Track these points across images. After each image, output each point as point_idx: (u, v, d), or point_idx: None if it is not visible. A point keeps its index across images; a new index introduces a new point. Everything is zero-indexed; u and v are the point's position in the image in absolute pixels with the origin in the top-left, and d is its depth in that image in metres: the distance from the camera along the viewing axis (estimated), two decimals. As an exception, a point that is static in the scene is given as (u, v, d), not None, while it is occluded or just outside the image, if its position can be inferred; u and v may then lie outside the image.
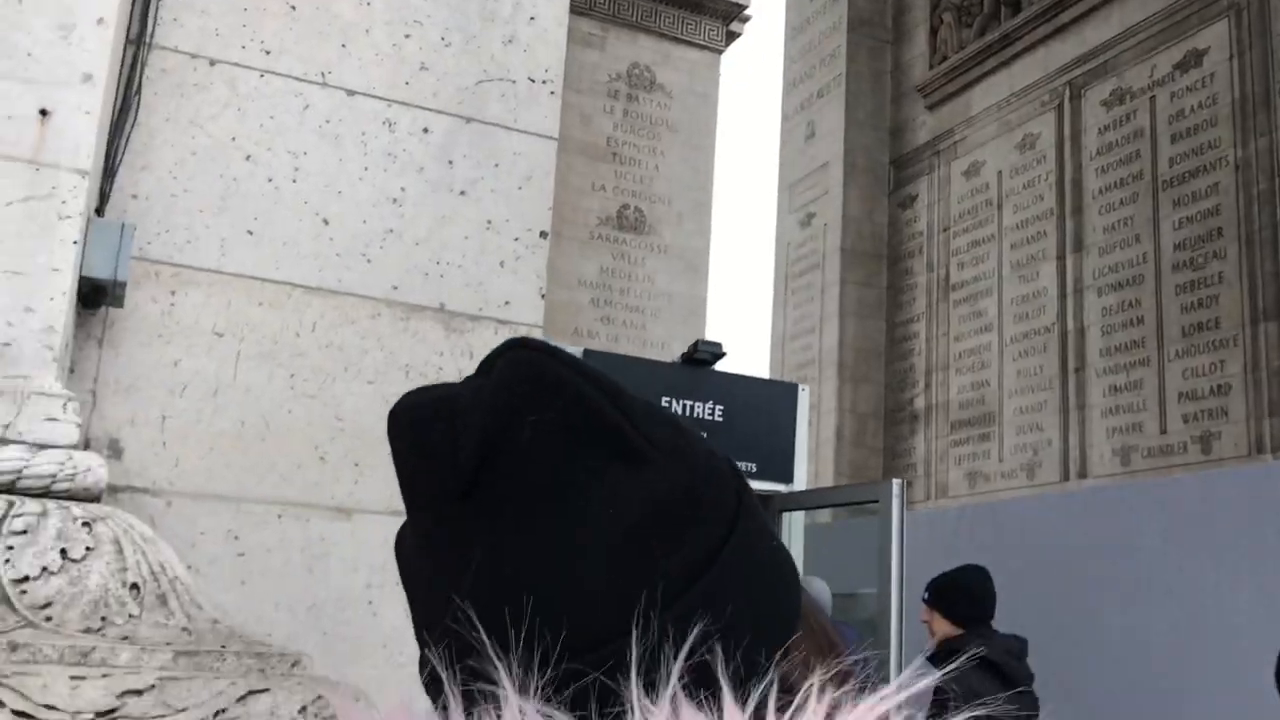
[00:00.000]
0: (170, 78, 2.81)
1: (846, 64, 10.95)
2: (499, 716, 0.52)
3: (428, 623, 0.63)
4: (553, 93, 3.23)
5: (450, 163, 3.07)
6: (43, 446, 2.11)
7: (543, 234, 3.15)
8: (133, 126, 2.72)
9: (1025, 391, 8.89)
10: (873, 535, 5.14)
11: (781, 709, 0.54)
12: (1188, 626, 6.50)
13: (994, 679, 4.16)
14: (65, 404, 2.18)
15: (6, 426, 2.11)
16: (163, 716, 1.71)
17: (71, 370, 2.58)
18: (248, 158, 2.86)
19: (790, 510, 5.66)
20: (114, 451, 2.61)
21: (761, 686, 0.55)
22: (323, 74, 2.96)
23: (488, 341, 2.98)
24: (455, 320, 3.01)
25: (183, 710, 1.73)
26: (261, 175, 2.87)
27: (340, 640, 2.70)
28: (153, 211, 2.75)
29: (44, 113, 2.30)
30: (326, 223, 2.91)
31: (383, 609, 2.75)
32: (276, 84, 2.91)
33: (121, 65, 2.68)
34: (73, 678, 1.70)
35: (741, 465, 0.71)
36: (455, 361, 2.97)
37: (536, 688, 0.53)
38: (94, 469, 2.12)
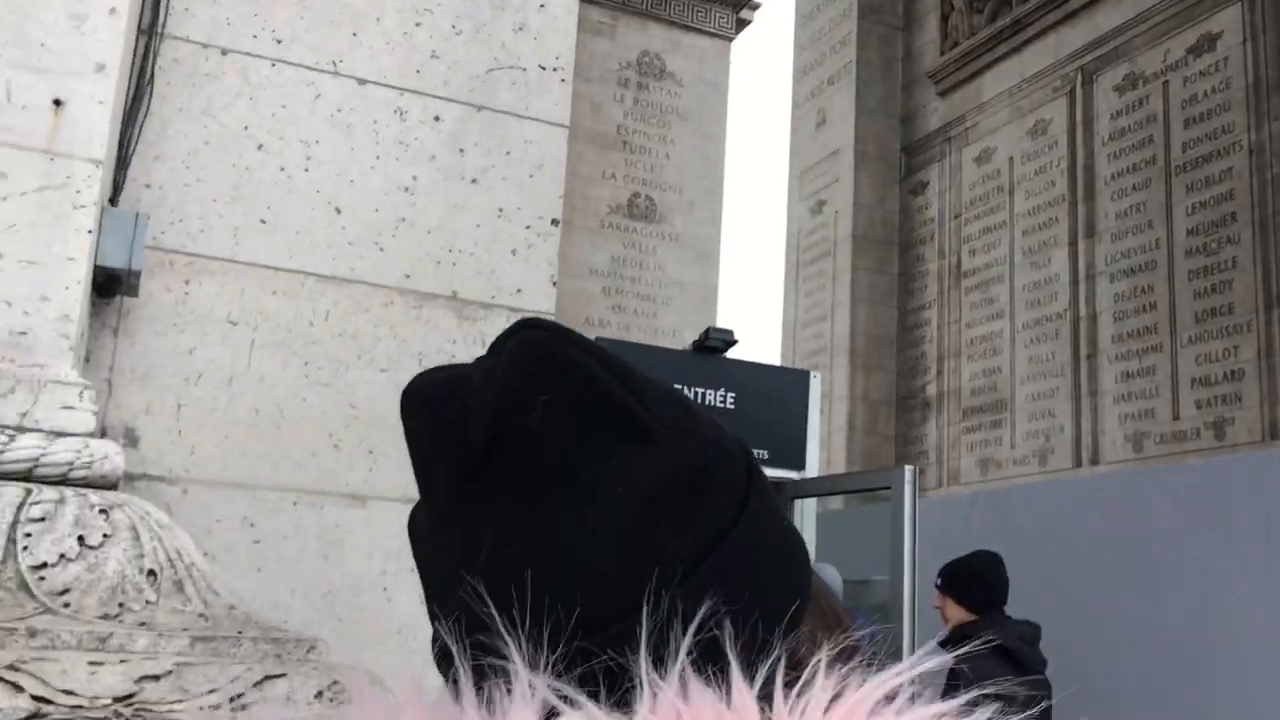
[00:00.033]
0: (182, 67, 2.82)
1: (857, 51, 10.91)
2: (509, 690, 0.52)
3: (439, 599, 0.63)
4: (563, 80, 3.22)
5: (461, 151, 3.07)
6: (59, 434, 2.13)
7: (554, 222, 3.16)
8: (145, 116, 2.73)
9: (1037, 378, 8.87)
10: (885, 522, 5.13)
11: (789, 684, 0.55)
12: (1200, 612, 6.48)
13: (1007, 665, 4.16)
14: (81, 392, 2.20)
15: (23, 415, 2.13)
16: (180, 701, 1.72)
17: (87, 359, 2.59)
18: (260, 147, 2.87)
19: (802, 497, 5.66)
20: (130, 440, 2.63)
21: (769, 662, 0.56)
22: (334, 63, 2.97)
23: (500, 329, 2.98)
24: (468, 308, 3.02)
25: (200, 695, 1.74)
26: (274, 164, 2.87)
27: (355, 626, 2.71)
28: (166, 201, 2.76)
29: (58, 103, 2.31)
30: (339, 211, 2.92)
31: (397, 595, 2.77)
32: (288, 73, 2.92)
33: (134, 55, 2.69)
34: (91, 663, 1.72)
35: (753, 452, 0.71)
36: (468, 349, 2.98)
37: (546, 663, 0.54)
38: (111, 456, 2.13)
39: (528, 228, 3.11)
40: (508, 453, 0.61)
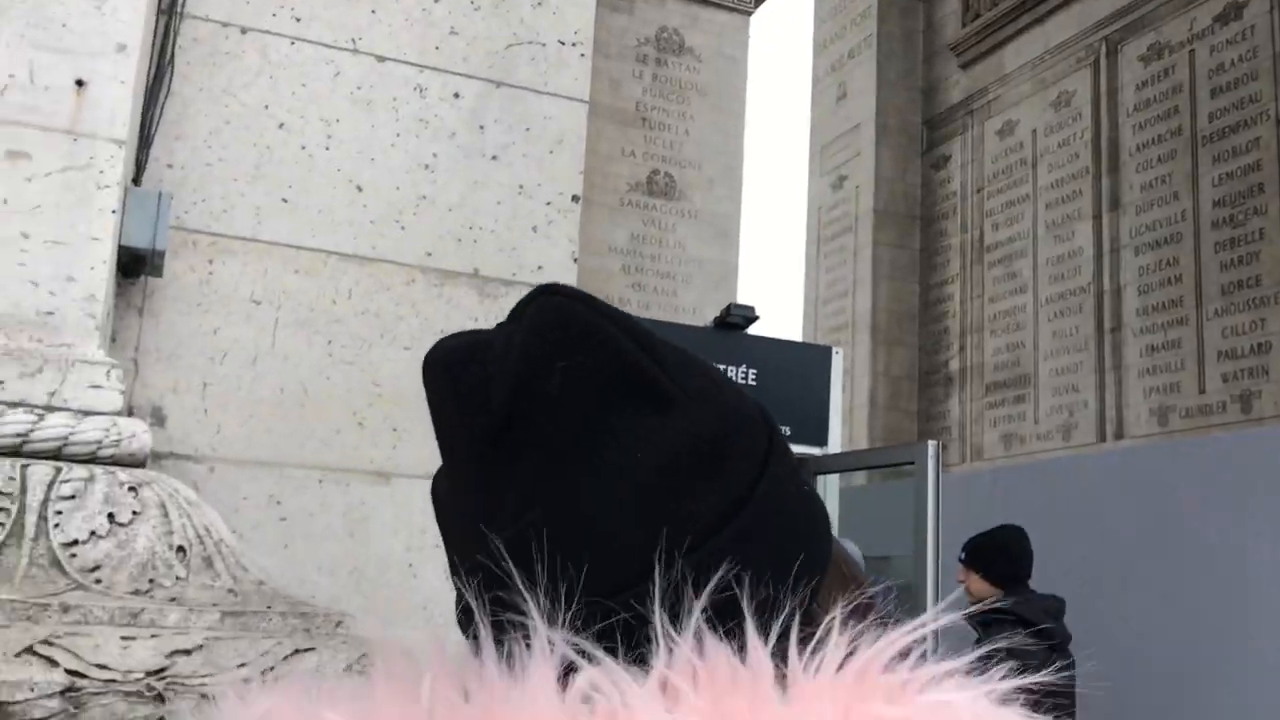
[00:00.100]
0: (202, 47, 2.82)
1: (878, 23, 10.82)
2: (528, 646, 0.52)
3: (461, 558, 0.64)
4: (583, 55, 3.21)
5: (481, 128, 3.07)
6: (87, 413, 2.14)
7: (574, 198, 3.15)
8: (166, 96, 2.74)
9: (1061, 353, 8.82)
10: (908, 498, 5.12)
11: (804, 641, 0.55)
12: (1225, 586, 6.45)
13: (1032, 639, 4.15)
14: (109, 371, 2.21)
15: (52, 394, 2.14)
16: (211, 675, 1.74)
17: (113, 339, 2.61)
18: (281, 126, 2.87)
19: (825, 473, 5.65)
20: (157, 419, 2.64)
21: (783, 618, 0.56)
22: (353, 40, 2.97)
23: (522, 306, 2.98)
24: (489, 285, 3.02)
25: (230, 669, 1.76)
26: (295, 143, 2.88)
27: (381, 602, 2.73)
28: (188, 181, 2.77)
29: (80, 83, 2.32)
30: (360, 190, 2.92)
31: (422, 571, 2.78)
32: (307, 51, 2.92)
33: (154, 35, 2.69)
34: (123, 638, 1.74)
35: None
36: (489, 327, 2.98)
37: (564, 621, 0.54)
38: (139, 435, 2.15)
39: (548, 204, 3.11)
40: (528, 419, 0.61)
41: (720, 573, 0.56)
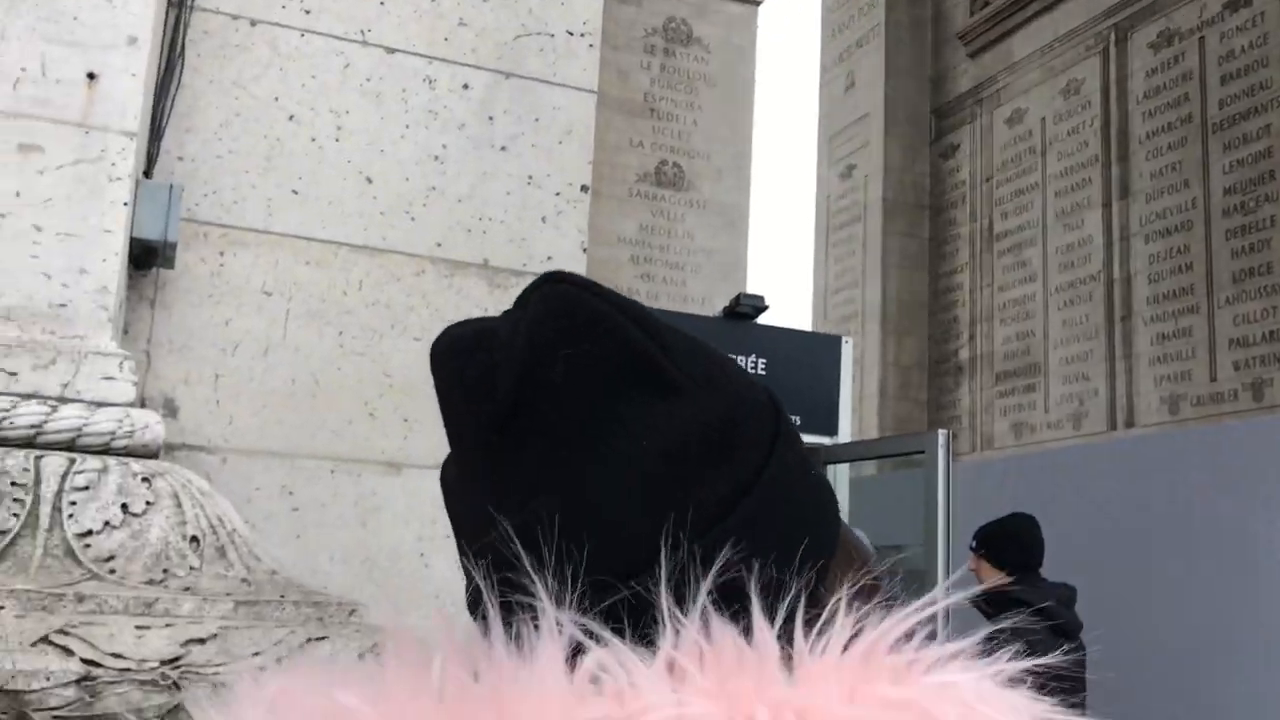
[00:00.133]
0: (212, 39, 2.83)
1: (886, 12, 10.78)
2: (537, 628, 0.53)
3: (469, 543, 0.64)
4: (591, 45, 3.21)
5: (490, 118, 3.07)
6: (100, 405, 2.16)
7: (584, 188, 3.15)
8: (177, 88, 2.75)
9: (1071, 341, 8.80)
10: (918, 487, 5.12)
11: (810, 623, 0.55)
12: (1238, 575, 6.44)
13: (1047, 630, 4.16)
14: (121, 363, 2.23)
15: (65, 386, 2.16)
16: (225, 664, 1.76)
17: (125, 331, 2.62)
18: (291, 118, 2.88)
19: (835, 462, 5.65)
20: (169, 410, 2.66)
21: (789, 599, 0.56)
22: (362, 32, 2.97)
23: (531, 296, 2.99)
24: (499, 276, 3.03)
25: (244, 657, 1.77)
26: (305, 135, 2.89)
27: (393, 592, 2.75)
28: (199, 173, 2.78)
29: (91, 76, 2.33)
30: (370, 181, 2.93)
31: (434, 561, 2.80)
32: (317, 43, 2.92)
33: (165, 27, 2.70)
34: (138, 627, 1.75)
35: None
36: (499, 317, 2.99)
37: (572, 601, 0.55)
38: (151, 426, 2.16)
39: (557, 194, 3.11)
40: (534, 407, 0.61)
41: (725, 554, 0.57)
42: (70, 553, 1.90)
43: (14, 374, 2.13)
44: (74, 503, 1.95)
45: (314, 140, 2.89)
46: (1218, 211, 7.72)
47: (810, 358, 5.74)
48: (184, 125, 2.77)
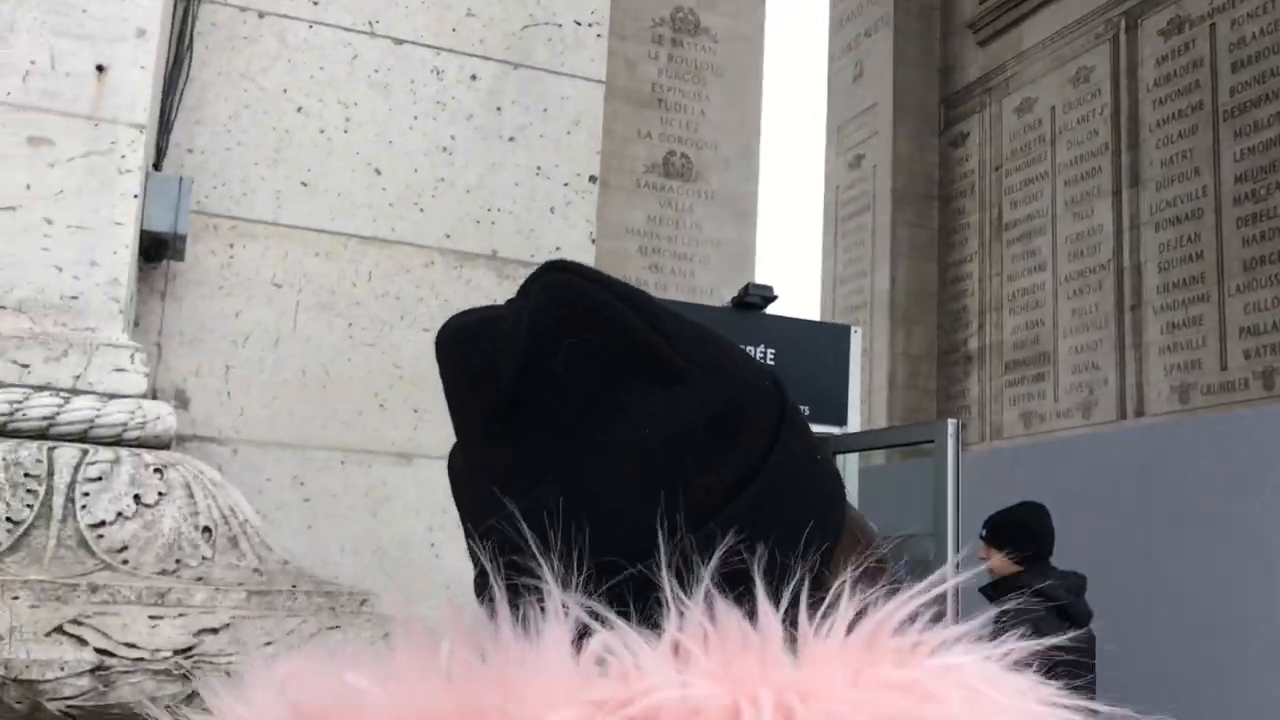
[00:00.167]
0: (221, 31, 2.84)
1: (894, 1, 10.75)
2: (543, 609, 0.54)
3: (475, 524, 0.65)
4: (599, 35, 3.21)
5: (499, 109, 3.07)
6: (112, 396, 2.17)
7: (592, 179, 3.16)
8: (186, 81, 2.76)
9: (1080, 330, 8.77)
10: (927, 477, 5.12)
11: (814, 606, 0.56)
12: (1247, 564, 6.43)
13: (1053, 615, 4.16)
14: (133, 355, 2.24)
15: (77, 377, 2.17)
16: (237, 654, 1.77)
17: (136, 323, 2.63)
18: (299, 109, 2.88)
19: (844, 452, 5.65)
20: (180, 402, 2.67)
21: (794, 582, 0.56)
22: (370, 23, 2.97)
23: (540, 287, 2.99)
24: (507, 267, 3.03)
25: (256, 647, 1.78)
26: (313, 127, 2.89)
27: (404, 582, 2.76)
28: (208, 165, 2.79)
29: (100, 69, 2.34)
30: (379, 173, 2.94)
31: (445, 551, 2.81)
32: (325, 35, 2.93)
33: (173, 20, 2.71)
34: (151, 617, 1.76)
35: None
36: (508, 307, 2.99)
37: (577, 584, 0.55)
38: (163, 417, 2.18)
39: (566, 185, 3.11)
40: (536, 396, 0.62)
41: (729, 540, 0.57)
42: (83, 543, 1.91)
43: (26, 366, 2.14)
44: (87, 494, 1.96)
45: (323, 132, 2.90)
46: (1228, 199, 7.69)
47: (819, 348, 5.74)
48: (193, 117, 2.78)
